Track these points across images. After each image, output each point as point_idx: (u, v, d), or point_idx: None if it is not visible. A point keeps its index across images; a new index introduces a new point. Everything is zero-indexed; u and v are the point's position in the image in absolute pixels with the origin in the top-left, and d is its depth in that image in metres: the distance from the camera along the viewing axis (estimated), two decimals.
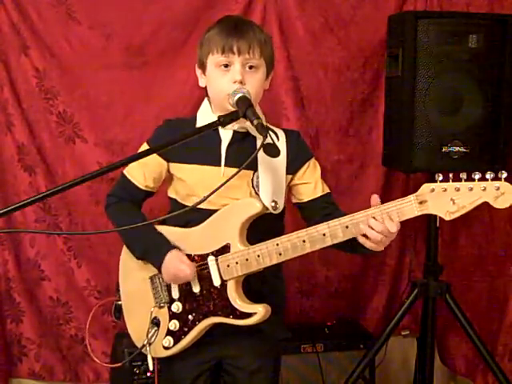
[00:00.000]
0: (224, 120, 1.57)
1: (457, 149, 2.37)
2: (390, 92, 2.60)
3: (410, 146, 2.39)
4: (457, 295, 2.54)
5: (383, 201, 1.59)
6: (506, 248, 2.68)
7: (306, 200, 1.82)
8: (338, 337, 2.76)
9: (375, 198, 1.59)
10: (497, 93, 2.40)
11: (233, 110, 1.63)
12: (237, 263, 1.69)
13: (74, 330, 2.83)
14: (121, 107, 2.73)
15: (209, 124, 1.58)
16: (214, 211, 1.73)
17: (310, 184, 1.81)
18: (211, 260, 1.72)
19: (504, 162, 2.43)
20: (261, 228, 1.72)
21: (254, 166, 1.74)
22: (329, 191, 1.84)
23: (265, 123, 1.79)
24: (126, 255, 1.86)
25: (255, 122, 1.54)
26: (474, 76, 2.37)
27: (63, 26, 2.64)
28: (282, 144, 1.78)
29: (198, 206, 1.69)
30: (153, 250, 1.76)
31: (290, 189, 1.82)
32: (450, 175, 1.50)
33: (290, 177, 1.80)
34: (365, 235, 1.57)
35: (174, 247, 1.75)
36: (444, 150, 2.38)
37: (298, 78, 2.82)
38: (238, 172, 1.49)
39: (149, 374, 2.51)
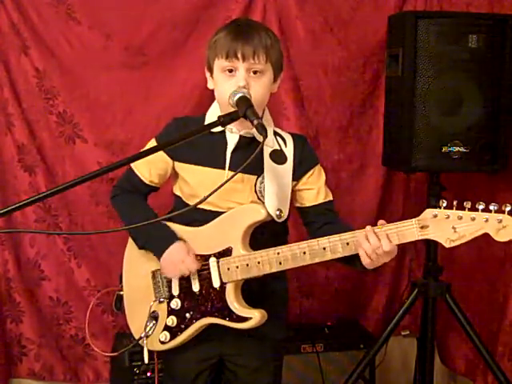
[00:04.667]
0: (224, 120, 1.57)
1: (457, 149, 2.37)
2: (390, 92, 2.60)
3: (410, 146, 2.38)
4: (457, 295, 2.53)
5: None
6: (506, 248, 2.68)
7: (307, 205, 1.82)
8: (338, 337, 2.77)
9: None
10: (497, 93, 2.39)
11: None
12: (237, 267, 1.70)
13: (74, 330, 2.83)
14: (121, 107, 2.73)
15: (209, 124, 1.58)
16: (217, 213, 1.74)
17: (313, 190, 1.81)
18: (213, 261, 1.73)
19: (504, 162, 2.42)
20: (264, 230, 1.73)
21: (257, 171, 1.74)
22: (331, 199, 1.84)
23: (273, 128, 1.80)
24: (131, 248, 1.87)
25: (255, 121, 1.54)
26: (474, 76, 2.36)
27: (63, 26, 2.64)
28: (289, 150, 1.79)
29: (202, 207, 1.71)
30: (157, 238, 1.77)
31: (293, 193, 1.81)
32: (454, 202, 1.50)
33: (294, 183, 1.80)
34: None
35: (181, 239, 1.76)
36: (444, 150, 2.37)
37: (298, 77, 2.82)
38: (235, 174, 1.47)
39: (149, 374, 2.51)
